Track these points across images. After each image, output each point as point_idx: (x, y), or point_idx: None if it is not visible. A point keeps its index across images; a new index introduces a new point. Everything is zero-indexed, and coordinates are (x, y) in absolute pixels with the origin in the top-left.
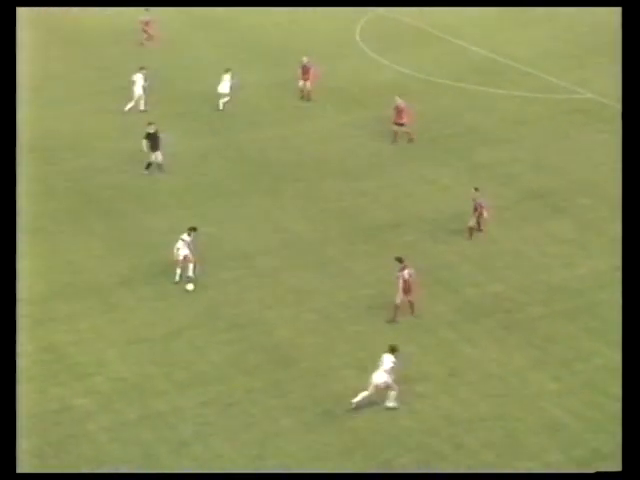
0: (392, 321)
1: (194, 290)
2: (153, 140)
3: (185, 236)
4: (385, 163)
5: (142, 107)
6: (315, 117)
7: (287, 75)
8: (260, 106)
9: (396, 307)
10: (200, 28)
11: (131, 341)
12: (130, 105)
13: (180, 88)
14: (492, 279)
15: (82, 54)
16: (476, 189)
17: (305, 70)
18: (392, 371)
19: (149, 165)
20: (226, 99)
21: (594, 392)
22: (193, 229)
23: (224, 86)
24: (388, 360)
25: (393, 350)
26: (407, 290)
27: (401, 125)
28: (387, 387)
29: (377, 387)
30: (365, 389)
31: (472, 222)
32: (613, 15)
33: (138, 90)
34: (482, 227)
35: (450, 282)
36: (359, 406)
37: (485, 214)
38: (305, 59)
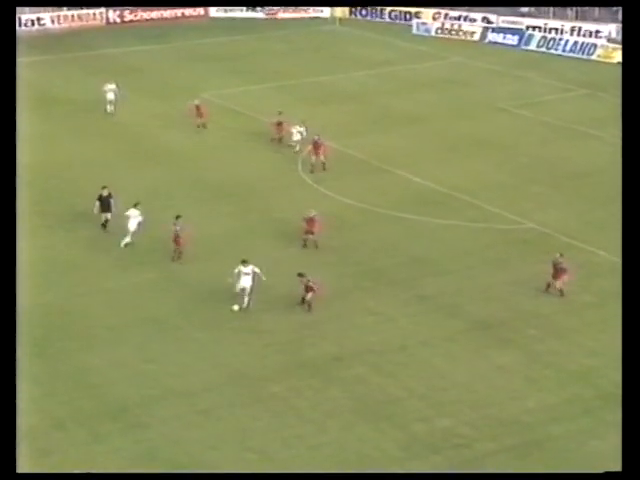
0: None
1: (127, 433)
2: (105, 202)
3: (245, 268)
4: (328, 294)
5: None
6: (259, 249)
7: (229, 208)
8: (202, 240)
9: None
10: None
11: None
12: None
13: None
14: (440, 414)
15: None
16: (561, 254)
17: None
18: None
19: (103, 225)
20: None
21: None
22: (244, 261)
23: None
24: None
25: None
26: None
27: (311, 233)
28: None
29: None
30: None
31: (559, 284)
32: (550, 148)
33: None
34: (564, 292)
35: (397, 417)
36: None
37: (565, 278)
38: None
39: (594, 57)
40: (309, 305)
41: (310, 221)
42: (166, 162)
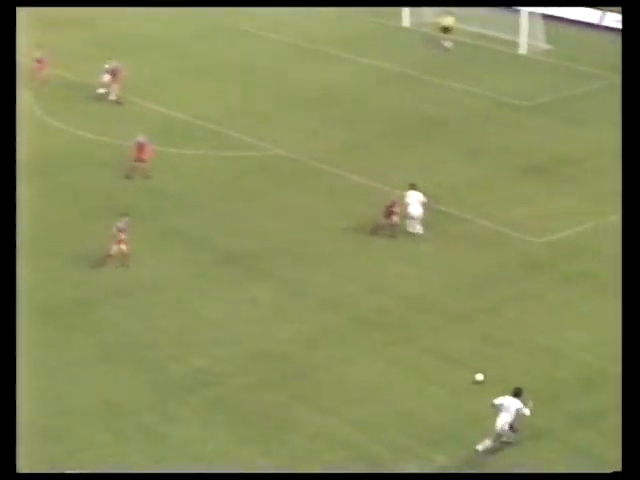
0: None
1: None
2: None
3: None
4: (56, 228)
5: None
6: None
7: None
8: None
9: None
10: None
11: None
12: None
13: None
14: (195, 353)
15: None
16: (393, 192)
17: None
18: (517, 416)
19: None
20: None
21: (308, 463)
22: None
23: None
24: (514, 404)
25: (517, 394)
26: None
27: (142, 161)
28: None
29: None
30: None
31: (383, 222)
32: (297, 71)
33: None
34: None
35: (149, 360)
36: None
37: (395, 219)
38: None
39: None
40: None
41: (140, 147)
42: None
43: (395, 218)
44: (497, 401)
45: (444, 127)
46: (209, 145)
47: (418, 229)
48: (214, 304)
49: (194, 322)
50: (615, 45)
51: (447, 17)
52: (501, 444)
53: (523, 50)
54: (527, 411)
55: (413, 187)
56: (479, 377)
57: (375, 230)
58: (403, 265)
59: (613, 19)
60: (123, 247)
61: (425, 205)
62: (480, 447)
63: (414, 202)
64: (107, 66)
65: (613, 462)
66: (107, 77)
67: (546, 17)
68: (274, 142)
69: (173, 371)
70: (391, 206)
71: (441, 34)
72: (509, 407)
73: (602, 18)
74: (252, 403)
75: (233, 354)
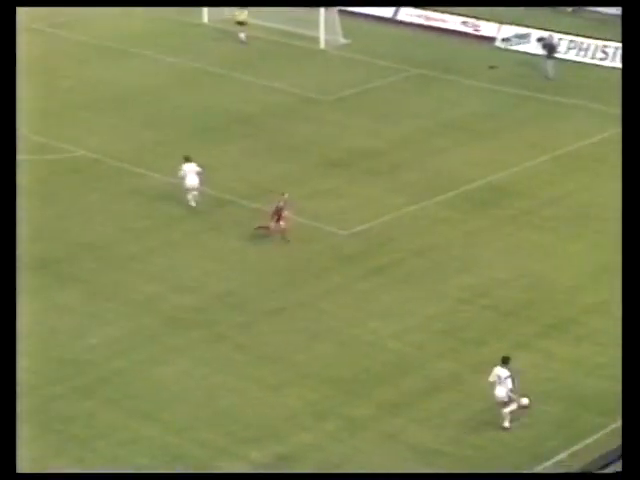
0: None
1: None
2: None
3: None
4: None
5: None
6: None
7: None
8: None
9: None
10: None
11: None
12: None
13: None
14: None
15: None
16: (283, 193)
17: None
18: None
19: None
20: None
21: (122, 469)
22: None
23: None
24: (504, 373)
25: (505, 362)
26: None
27: None
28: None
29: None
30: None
31: (283, 224)
32: (92, 69)
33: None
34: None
35: None
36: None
37: (282, 223)
38: None
39: None
40: None
41: None
42: None
43: (283, 223)
44: (492, 377)
45: (248, 124)
46: None
47: (196, 200)
48: (24, 310)
49: None
50: (410, 38)
51: (242, 12)
52: (520, 409)
53: (322, 45)
54: (526, 401)
55: (188, 159)
56: (524, 402)
57: (261, 230)
58: (212, 262)
59: (406, 13)
60: None
61: (200, 175)
62: (506, 424)
63: (191, 173)
64: None
65: (428, 449)
66: None
67: (341, 12)
68: (76, 144)
69: None
70: (280, 210)
71: (237, 28)
72: (501, 377)
73: (396, 12)
74: (62, 413)
75: (40, 364)
